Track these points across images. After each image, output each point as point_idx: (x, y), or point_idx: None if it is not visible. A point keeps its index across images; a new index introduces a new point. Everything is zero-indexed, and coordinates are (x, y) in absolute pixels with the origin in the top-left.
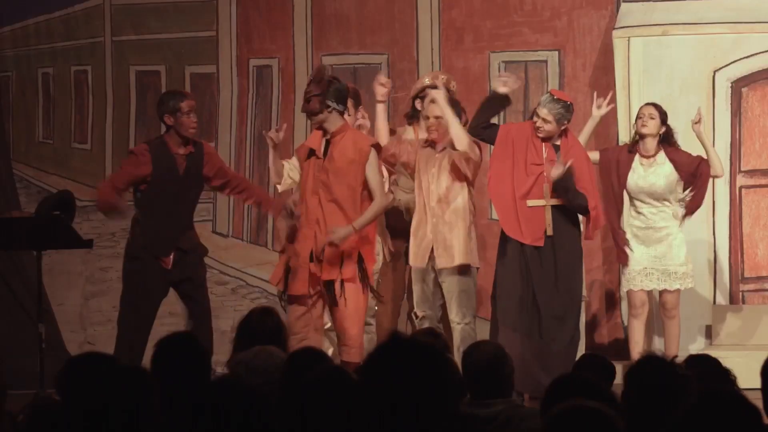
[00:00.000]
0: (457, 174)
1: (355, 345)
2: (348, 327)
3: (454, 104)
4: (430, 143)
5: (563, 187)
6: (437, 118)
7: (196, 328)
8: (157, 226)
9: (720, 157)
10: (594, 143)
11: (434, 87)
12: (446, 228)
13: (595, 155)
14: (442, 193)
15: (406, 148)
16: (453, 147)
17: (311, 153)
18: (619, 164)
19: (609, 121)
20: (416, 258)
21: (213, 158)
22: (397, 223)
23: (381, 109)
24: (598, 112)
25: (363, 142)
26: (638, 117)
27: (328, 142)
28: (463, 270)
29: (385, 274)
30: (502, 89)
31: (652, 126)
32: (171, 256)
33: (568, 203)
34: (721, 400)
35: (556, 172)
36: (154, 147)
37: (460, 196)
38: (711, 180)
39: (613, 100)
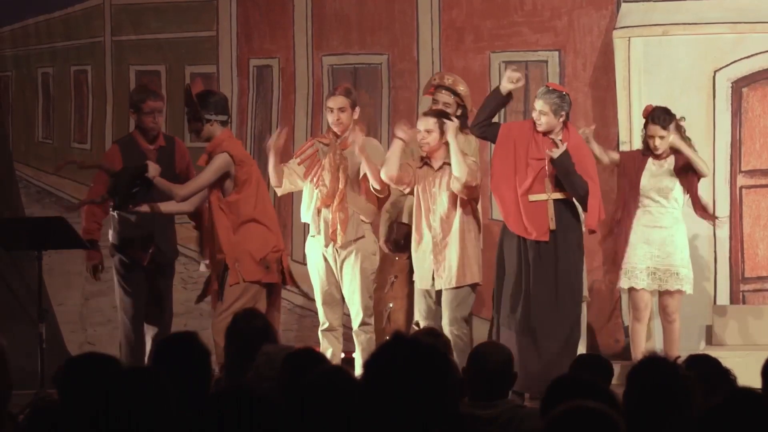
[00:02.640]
0: (460, 197)
1: None
2: None
3: (464, 111)
4: (425, 161)
5: (563, 170)
6: (428, 131)
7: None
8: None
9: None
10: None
11: (443, 87)
12: (446, 249)
13: (615, 155)
14: (444, 213)
15: (408, 172)
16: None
17: None
18: (635, 167)
19: (609, 120)
20: (421, 280)
21: (185, 155)
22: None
23: (398, 145)
24: (590, 137)
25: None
26: (649, 136)
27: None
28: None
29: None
30: (509, 86)
31: (663, 147)
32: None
33: (569, 187)
34: (746, 400)
35: (556, 152)
36: (124, 144)
37: (462, 213)
38: (711, 181)
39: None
